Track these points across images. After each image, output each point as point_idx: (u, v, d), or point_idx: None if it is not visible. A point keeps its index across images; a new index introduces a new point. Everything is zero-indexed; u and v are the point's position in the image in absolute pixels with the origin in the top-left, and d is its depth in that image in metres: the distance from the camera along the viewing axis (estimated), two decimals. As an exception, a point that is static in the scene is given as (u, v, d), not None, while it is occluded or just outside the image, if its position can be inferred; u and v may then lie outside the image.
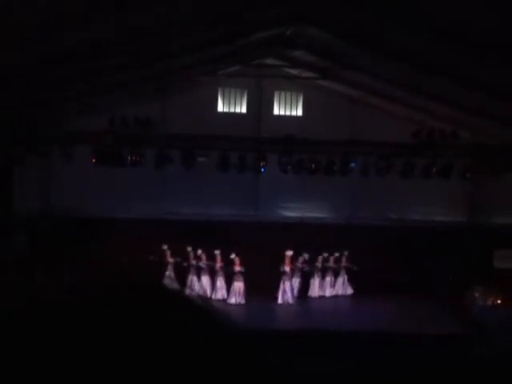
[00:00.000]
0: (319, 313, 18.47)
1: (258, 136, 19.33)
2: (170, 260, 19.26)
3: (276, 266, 18.99)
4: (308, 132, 17.60)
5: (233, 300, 18.78)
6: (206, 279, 19.36)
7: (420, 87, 15.94)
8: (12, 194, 17.05)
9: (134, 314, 0.80)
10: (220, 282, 19.24)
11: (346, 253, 20.00)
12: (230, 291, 18.99)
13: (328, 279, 20.30)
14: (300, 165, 16.98)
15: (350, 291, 20.34)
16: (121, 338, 0.76)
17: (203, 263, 19.28)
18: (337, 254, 20.08)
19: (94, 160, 16.52)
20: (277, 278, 19.10)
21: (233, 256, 18.90)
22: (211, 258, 19.21)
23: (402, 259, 19.18)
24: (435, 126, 17.07)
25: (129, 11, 10.14)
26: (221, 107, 20.81)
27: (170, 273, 19.16)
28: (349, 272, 20.11)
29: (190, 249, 19.24)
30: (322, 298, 20.03)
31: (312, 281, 20.09)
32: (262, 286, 17.97)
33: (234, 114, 20.76)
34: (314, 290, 20.11)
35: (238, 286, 18.95)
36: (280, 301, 19.05)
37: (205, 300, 0.88)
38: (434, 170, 17.14)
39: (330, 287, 20.31)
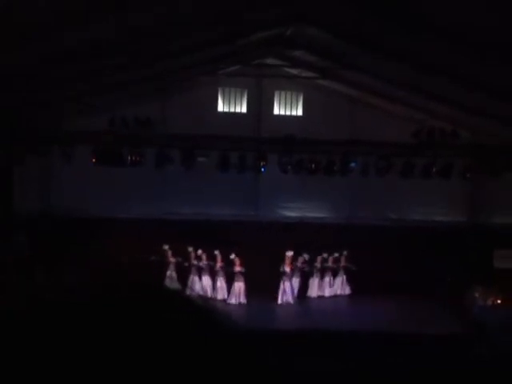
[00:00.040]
0: (319, 313, 18.47)
1: (258, 136, 19.32)
2: (172, 260, 19.24)
3: (276, 266, 18.98)
4: (308, 132, 17.60)
5: (233, 300, 18.78)
6: (206, 279, 19.33)
7: (420, 87, 15.93)
8: (12, 194, 17.05)
9: (133, 314, 0.80)
10: (220, 283, 19.24)
11: (345, 253, 19.99)
12: (231, 291, 18.99)
13: (327, 279, 20.30)
14: (300, 165, 16.96)
15: (348, 291, 20.35)
16: (121, 338, 0.76)
17: (203, 263, 19.27)
18: (336, 254, 20.07)
19: (93, 160, 16.50)
20: (277, 278, 19.09)
21: (233, 256, 18.89)
22: (211, 258, 19.20)
23: (401, 259, 19.18)
24: (435, 125, 17.05)
25: (129, 11, 10.14)
26: (221, 107, 20.79)
27: (171, 273, 19.17)
28: (348, 272, 20.12)
29: (191, 249, 19.22)
30: (321, 298, 20.04)
31: (311, 281, 20.09)
32: (262, 286, 17.96)
33: (234, 113, 20.74)
34: (313, 290, 20.11)
35: (239, 286, 18.95)
36: (280, 301, 19.06)
37: (205, 300, 0.89)
38: (433, 169, 17.12)
39: (328, 287, 20.31)
